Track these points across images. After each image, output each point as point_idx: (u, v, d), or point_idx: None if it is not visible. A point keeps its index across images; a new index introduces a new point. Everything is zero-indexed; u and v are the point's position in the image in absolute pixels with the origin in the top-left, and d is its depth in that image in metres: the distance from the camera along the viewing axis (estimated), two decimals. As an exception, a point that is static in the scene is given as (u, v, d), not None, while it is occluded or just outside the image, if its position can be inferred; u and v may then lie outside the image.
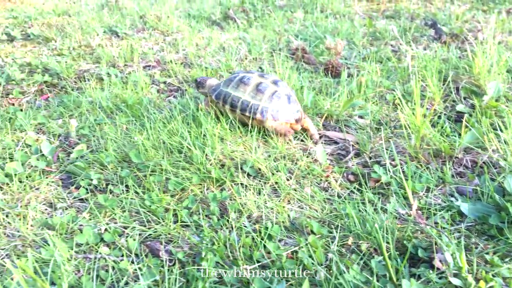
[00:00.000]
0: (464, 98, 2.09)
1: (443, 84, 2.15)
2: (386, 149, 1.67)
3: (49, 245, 1.19)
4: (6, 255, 1.20)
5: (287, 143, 1.71)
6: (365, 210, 1.35)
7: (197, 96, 2.14)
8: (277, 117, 1.71)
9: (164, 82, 2.38)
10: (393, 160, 1.64)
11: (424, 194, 1.46)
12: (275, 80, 1.79)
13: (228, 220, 1.34)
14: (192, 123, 1.75)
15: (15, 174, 1.48)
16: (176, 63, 2.56)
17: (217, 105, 1.83)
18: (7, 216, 1.33)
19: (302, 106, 1.95)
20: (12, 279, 1.10)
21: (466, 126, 1.72)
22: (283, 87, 1.77)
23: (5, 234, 1.27)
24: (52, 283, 1.08)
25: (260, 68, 2.54)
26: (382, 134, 1.76)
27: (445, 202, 1.42)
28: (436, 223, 1.32)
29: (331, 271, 1.14)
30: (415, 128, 1.67)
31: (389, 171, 1.54)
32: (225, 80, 1.84)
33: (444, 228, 1.29)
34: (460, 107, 2.00)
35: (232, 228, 1.31)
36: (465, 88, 2.13)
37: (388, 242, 1.18)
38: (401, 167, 1.58)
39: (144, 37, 3.13)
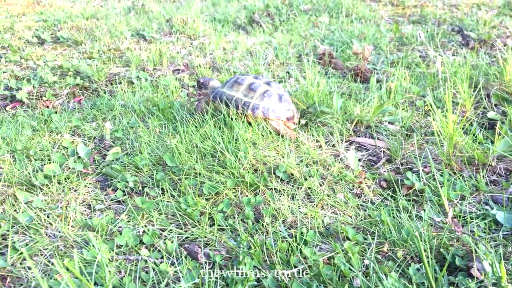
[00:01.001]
0: (495, 105, 2.08)
1: (474, 91, 2.14)
2: (420, 157, 1.67)
3: (90, 246, 1.22)
4: (49, 255, 1.23)
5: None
6: (400, 217, 1.35)
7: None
8: (267, 114, 1.78)
9: (193, 86, 2.41)
10: (425, 167, 1.64)
11: (458, 202, 1.46)
12: (268, 81, 1.87)
13: (263, 225, 1.35)
14: (224, 127, 1.78)
15: (54, 176, 1.52)
16: (204, 67, 2.59)
17: (215, 105, 1.90)
18: (48, 216, 1.37)
19: (332, 111, 1.95)
20: (56, 279, 1.13)
21: (499, 134, 1.70)
22: (275, 87, 1.85)
23: (46, 234, 1.30)
24: (95, 284, 1.11)
25: (288, 73, 2.55)
26: (414, 141, 1.76)
27: (480, 210, 1.41)
28: (472, 231, 1.31)
29: (367, 278, 1.14)
30: (447, 135, 1.67)
31: (422, 178, 1.54)
32: (224, 82, 1.93)
33: (480, 236, 1.29)
34: (491, 114, 1.99)
35: (267, 233, 1.32)
36: (496, 95, 2.11)
37: (424, 250, 1.18)
38: (434, 174, 1.58)
39: (172, 41, 3.17)
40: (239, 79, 1.87)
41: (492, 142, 1.74)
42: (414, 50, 2.89)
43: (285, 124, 1.82)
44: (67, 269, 1.15)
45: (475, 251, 1.18)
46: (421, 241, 1.22)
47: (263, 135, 1.75)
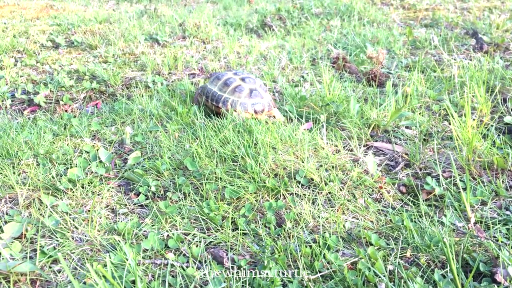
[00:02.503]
0: (512, 110, 2.08)
1: (490, 95, 2.14)
2: (439, 162, 1.67)
3: (117, 250, 1.24)
4: (77, 259, 1.25)
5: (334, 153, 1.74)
6: (421, 223, 1.36)
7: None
8: (235, 107, 1.94)
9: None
10: (444, 172, 1.65)
11: (479, 207, 1.46)
12: (244, 77, 2.02)
13: (285, 229, 1.36)
14: (243, 132, 1.79)
15: (78, 180, 1.54)
16: (219, 71, 2.60)
17: (202, 98, 2.09)
18: (73, 220, 1.39)
19: (350, 115, 1.96)
20: (85, 282, 1.15)
21: (518, 139, 1.71)
22: (250, 83, 2.00)
23: (73, 238, 1.32)
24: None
25: (303, 77, 2.57)
26: (434, 145, 1.77)
27: (501, 216, 1.42)
28: (494, 237, 1.32)
29: (392, 283, 1.15)
30: (466, 140, 1.68)
31: (442, 184, 1.55)
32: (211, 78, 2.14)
33: (503, 242, 1.29)
34: (508, 118, 1.99)
35: (290, 237, 1.33)
36: (513, 99, 2.12)
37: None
38: (454, 180, 1.58)
39: (185, 45, 3.19)
40: (220, 75, 2.06)
41: (510, 146, 1.74)
42: (428, 54, 2.89)
43: (254, 116, 1.96)
44: (96, 273, 1.17)
45: (499, 257, 1.19)
46: (448, 247, 1.22)
47: (281, 140, 1.76)
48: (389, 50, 2.95)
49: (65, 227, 1.36)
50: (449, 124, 1.96)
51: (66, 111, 2.19)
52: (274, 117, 2.02)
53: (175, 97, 2.20)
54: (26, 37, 3.42)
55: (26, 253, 1.26)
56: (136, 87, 2.43)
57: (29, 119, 2.09)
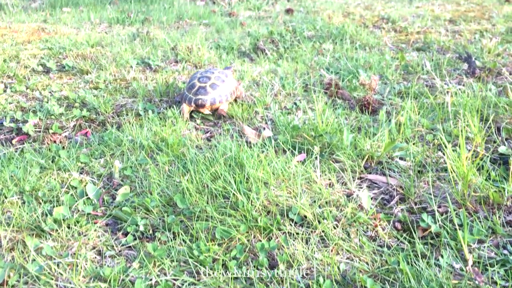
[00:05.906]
0: (506, 139, 2.06)
1: (484, 124, 2.13)
2: (434, 196, 1.64)
3: (103, 298, 1.19)
4: (61, 308, 1.20)
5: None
6: (418, 265, 1.32)
7: (240, 134, 2.14)
8: (185, 101, 2.36)
9: (201, 118, 2.40)
10: (439, 206, 1.61)
11: (476, 246, 1.43)
12: (200, 77, 2.43)
13: (277, 273, 1.32)
14: (234, 165, 1.76)
15: (64, 220, 1.49)
16: (211, 99, 2.58)
17: None
18: (58, 266, 1.34)
19: (344, 147, 1.93)
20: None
21: (513, 172, 1.68)
22: (202, 82, 2.39)
23: (57, 286, 1.27)
24: None
25: (295, 104, 2.54)
26: (427, 178, 1.74)
27: (498, 255, 1.39)
28: (492, 278, 1.28)
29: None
30: (461, 173, 1.65)
31: (438, 220, 1.51)
32: None
33: (500, 285, 1.26)
34: (502, 149, 1.97)
35: (283, 282, 1.29)
36: (507, 128, 2.10)
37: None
38: (450, 215, 1.55)
39: (177, 69, 3.16)
40: (195, 73, 2.52)
41: (505, 178, 1.72)
42: (420, 79, 2.88)
43: (197, 109, 2.38)
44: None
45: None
46: (442, 292, 1.19)
47: (274, 174, 1.73)
48: (381, 76, 2.94)
49: (49, 273, 1.30)
50: (443, 154, 1.94)
51: (54, 141, 2.15)
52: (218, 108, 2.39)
53: (165, 126, 2.17)
54: (17, 62, 3.38)
55: (8, 302, 1.21)
56: (127, 115, 2.40)
57: (16, 150, 2.05)
